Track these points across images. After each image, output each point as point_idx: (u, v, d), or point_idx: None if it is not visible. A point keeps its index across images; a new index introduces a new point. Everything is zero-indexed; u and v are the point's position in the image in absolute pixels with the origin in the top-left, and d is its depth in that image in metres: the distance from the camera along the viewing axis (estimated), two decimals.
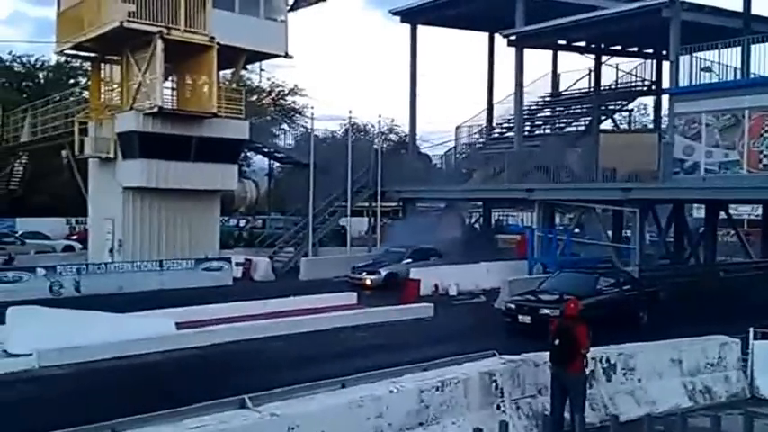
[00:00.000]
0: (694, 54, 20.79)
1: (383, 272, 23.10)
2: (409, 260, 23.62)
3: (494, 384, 8.95)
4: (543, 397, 9.30)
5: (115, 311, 14.58)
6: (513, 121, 29.82)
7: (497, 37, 30.32)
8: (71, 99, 30.81)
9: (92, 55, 26.82)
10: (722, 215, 27.39)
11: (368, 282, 22.78)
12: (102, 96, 26.85)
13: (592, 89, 31.92)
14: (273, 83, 47.96)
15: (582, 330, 9.01)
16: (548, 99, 33.75)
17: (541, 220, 24.41)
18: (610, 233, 25.36)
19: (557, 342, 8.99)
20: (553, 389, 9.08)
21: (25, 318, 13.10)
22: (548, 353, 9.23)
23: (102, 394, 10.56)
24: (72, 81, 42.88)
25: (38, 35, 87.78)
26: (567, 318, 9.34)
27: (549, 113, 33.63)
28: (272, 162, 38.26)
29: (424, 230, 26.56)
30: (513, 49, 27.20)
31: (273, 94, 48.80)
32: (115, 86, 26.34)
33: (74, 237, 34.55)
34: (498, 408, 8.90)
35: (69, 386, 11.24)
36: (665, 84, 27.11)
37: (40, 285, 20.02)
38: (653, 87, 31.57)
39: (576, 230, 26.69)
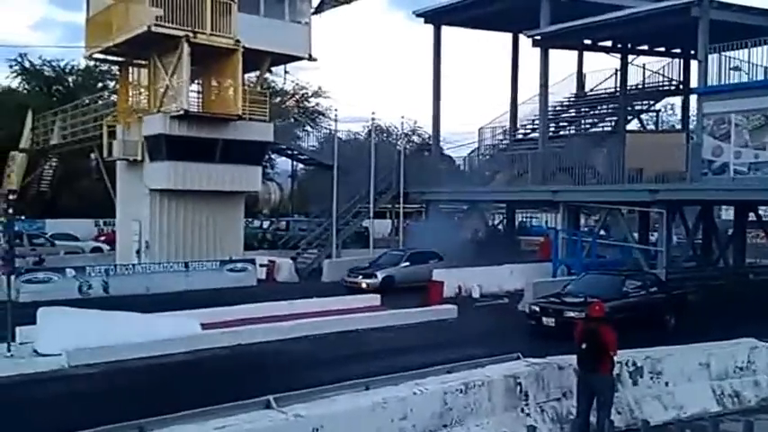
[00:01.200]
0: (723, 53, 20.47)
1: (380, 275, 22.39)
2: (407, 263, 23.16)
3: (518, 387, 8.90)
4: (568, 400, 9.22)
5: (142, 312, 14.76)
6: (537, 121, 29.62)
7: (521, 37, 30.15)
8: (100, 102, 31.28)
9: (120, 59, 27.17)
10: (752, 216, 26.94)
11: (364, 285, 21.93)
12: (130, 100, 27.22)
13: (618, 89, 31.58)
14: (297, 85, 48.25)
15: (609, 333, 8.90)
16: (573, 99, 33.44)
17: (566, 222, 24.21)
18: (636, 235, 25.08)
19: (584, 346, 8.91)
20: (579, 392, 8.99)
21: (55, 318, 13.31)
22: (572, 356, 9.15)
23: (129, 394, 10.69)
24: (101, 85, 43.55)
25: (67, 40, 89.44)
26: (591, 320, 9.25)
27: (574, 114, 33.32)
28: (295, 164, 38.55)
29: (444, 232, 26.36)
30: (537, 50, 27.03)
31: (297, 97, 49.08)
32: (143, 90, 26.69)
33: (102, 238, 35.07)
34: (523, 411, 8.85)
35: (98, 385, 11.39)
36: (693, 83, 26.74)
37: (70, 286, 20.34)
38: (680, 87, 31.14)
39: (602, 232, 26.43)
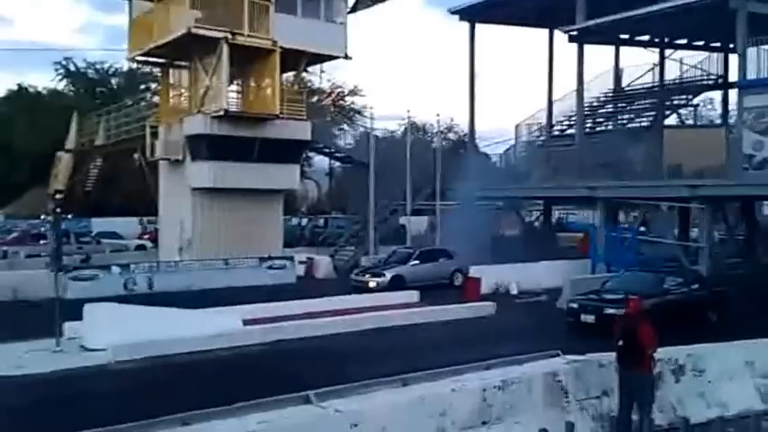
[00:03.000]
0: (763, 46, 20.05)
1: (388, 274, 21.89)
2: (416, 261, 22.77)
3: (558, 385, 8.87)
4: (609, 398, 9.16)
5: (185, 308, 15.08)
6: (573, 118, 29.33)
7: (557, 33, 29.88)
8: (142, 104, 31.97)
9: (161, 61, 27.75)
10: None
11: (372, 284, 21.45)
12: (172, 100, 27.78)
13: (656, 84, 31.07)
14: (333, 84, 48.55)
15: (646, 329, 8.82)
16: (610, 95, 33.02)
17: (604, 219, 23.95)
18: (676, 231, 24.69)
19: (621, 343, 8.86)
20: (620, 389, 8.95)
21: (101, 314, 13.69)
22: (612, 353, 9.10)
23: (172, 388, 10.95)
24: (143, 86, 44.50)
25: (110, 43, 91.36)
26: (629, 317, 9.18)
27: (611, 109, 32.91)
28: (332, 162, 38.85)
29: (476, 228, 25.93)
30: (573, 45, 26.78)
31: (333, 95, 49.39)
32: (183, 91, 27.21)
33: (146, 236, 35.82)
34: (563, 408, 8.83)
35: (142, 380, 11.71)
36: (733, 77, 26.22)
37: (115, 283, 20.83)
38: (720, 81, 30.52)
39: (641, 229, 26.05)
